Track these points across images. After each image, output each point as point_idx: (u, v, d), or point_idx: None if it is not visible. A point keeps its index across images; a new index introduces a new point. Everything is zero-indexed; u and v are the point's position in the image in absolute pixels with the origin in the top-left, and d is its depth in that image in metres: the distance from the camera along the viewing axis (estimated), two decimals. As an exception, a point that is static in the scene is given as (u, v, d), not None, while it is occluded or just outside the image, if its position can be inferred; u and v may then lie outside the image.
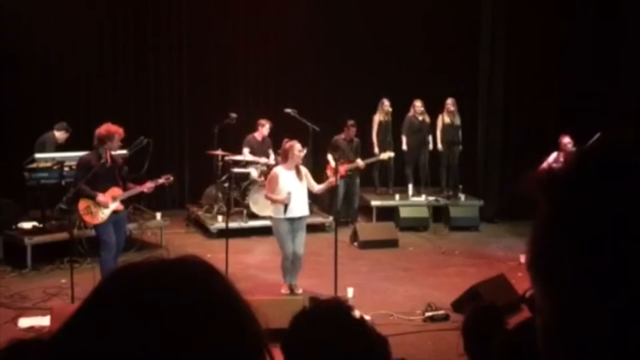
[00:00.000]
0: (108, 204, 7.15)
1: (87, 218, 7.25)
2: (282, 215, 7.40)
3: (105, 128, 7.15)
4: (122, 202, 7.45)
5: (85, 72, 11.56)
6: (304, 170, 7.57)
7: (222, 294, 0.79)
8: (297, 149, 7.44)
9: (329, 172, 10.50)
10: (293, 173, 7.43)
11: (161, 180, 7.72)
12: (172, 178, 7.86)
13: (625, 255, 0.64)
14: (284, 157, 7.58)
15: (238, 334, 0.77)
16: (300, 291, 7.63)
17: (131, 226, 8.94)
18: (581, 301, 0.67)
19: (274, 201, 7.46)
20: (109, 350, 0.71)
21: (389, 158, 11.18)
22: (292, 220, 7.43)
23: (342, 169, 10.43)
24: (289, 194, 7.30)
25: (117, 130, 7.14)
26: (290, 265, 7.59)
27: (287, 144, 7.64)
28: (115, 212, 7.24)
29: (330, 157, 10.79)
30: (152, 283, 0.77)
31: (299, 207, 7.44)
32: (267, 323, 0.82)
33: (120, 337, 0.72)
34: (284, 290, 7.69)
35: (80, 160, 7.36)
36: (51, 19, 11.13)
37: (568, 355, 0.69)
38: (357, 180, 11.08)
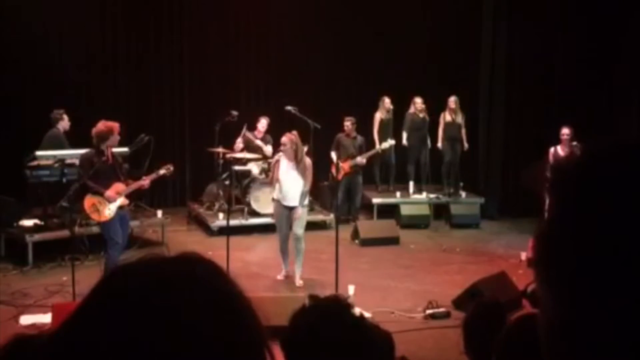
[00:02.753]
0: (115, 199, 7.18)
1: (94, 216, 7.25)
2: (281, 201, 7.73)
3: (102, 125, 7.17)
4: (125, 197, 7.47)
5: (87, 70, 11.55)
6: (308, 163, 7.73)
7: (224, 291, 0.79)
8: (282, 142, 7.77)
9: (333, 170, 10.51)
10: (293, 164, 7.65)
11: (162, 171, 7.70)
12: (172, 168, 7.82)
13: (629, 256, 0.64)
14: None
15: (239, 331, 0.77)
16: (300, 282, 7.75)
17: (132, 224, 8.95)
18: (583, 300, 0.67)
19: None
20: (109, 348, 0.72)
21: (390, 146, 11.20)
22: (287, 207, 7.74)
23: (346, 165, 10.46)
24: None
25: (113, 125, 7.16)
26: (290, 246, 7.80)
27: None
28: (120, 207, 7.27)
29: (333, 155, 10.81)
30: (153, 281, 0.77)
31: (294, 198, 7.70)
32: (267, 320, 0.82)
33: (121, 335, 0.72)
34: (280, 276, 7.81)
35: (82, 158, 7.36)
36: (52, 16, 11.12)
37: (570, 352, 0.69)
38: (360, 178, 11.04)
